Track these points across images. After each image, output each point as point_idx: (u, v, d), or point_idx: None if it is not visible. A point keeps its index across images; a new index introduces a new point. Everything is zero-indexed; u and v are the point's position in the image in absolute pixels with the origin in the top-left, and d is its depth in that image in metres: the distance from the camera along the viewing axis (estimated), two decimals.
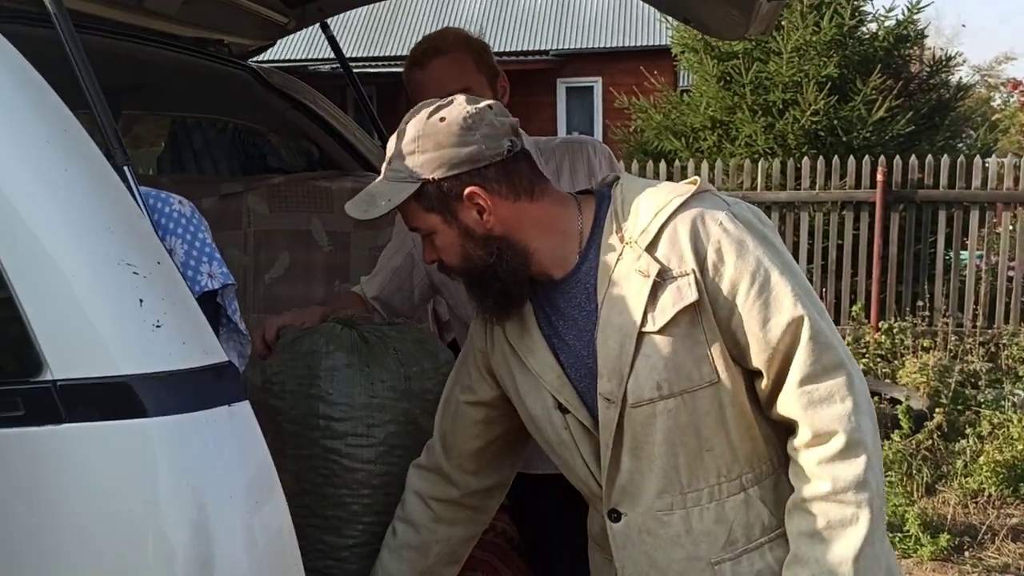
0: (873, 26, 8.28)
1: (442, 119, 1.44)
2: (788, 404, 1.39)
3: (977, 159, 6.93)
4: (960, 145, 8.53)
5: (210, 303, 1.52)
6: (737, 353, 1.41)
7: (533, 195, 1.48)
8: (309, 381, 1.82)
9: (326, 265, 2.58)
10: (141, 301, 1.24)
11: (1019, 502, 4.35)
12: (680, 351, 1.39)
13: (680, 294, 1.38)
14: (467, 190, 1.43)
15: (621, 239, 1.43)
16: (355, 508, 1.83)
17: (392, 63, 16.99)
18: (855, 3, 7.91)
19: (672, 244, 1.39)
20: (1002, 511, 4.29)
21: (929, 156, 6.99)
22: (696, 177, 1.46)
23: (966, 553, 3.93)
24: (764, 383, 1.41)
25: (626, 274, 1.42)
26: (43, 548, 1.25)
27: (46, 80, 1.30)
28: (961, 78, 10.40)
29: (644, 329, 1.40)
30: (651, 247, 1.40)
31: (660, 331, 1.39)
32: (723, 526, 1.45)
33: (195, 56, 2.36)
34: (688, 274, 1.38)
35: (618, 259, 1.43)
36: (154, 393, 1.23)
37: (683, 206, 1.40)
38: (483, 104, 1.48)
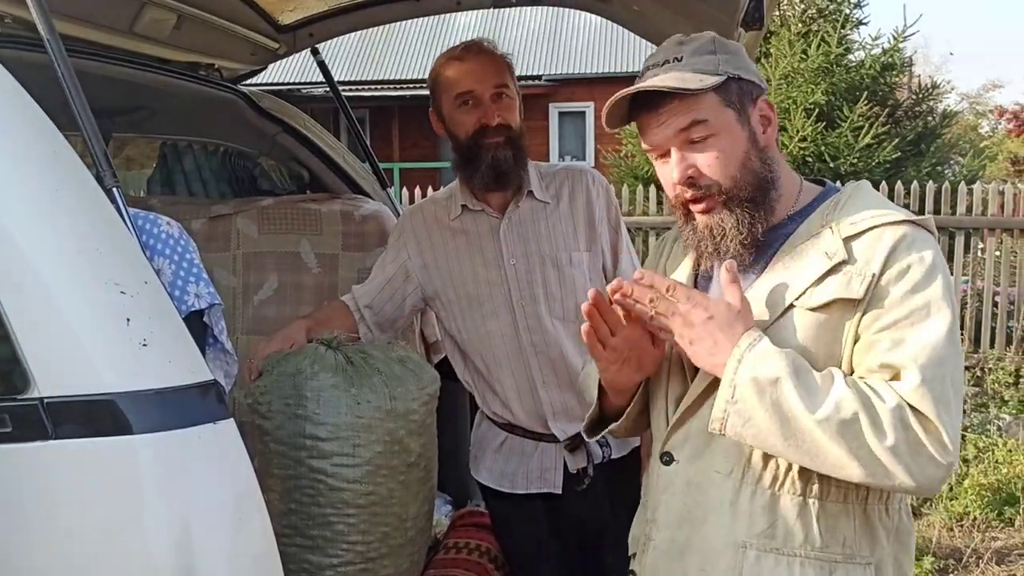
0: (860, 54, 8.39)
1: (726, 40, 1.48)
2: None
3: (962, 185, 7.00)
4: (947, 172, 8.62)
5: (197, 323, 1.54)
6: (854, 367, 1.37)
7: (778, 144, 1.51)
8: (295, 402, 1.83)
9: (315, 287, 2.59)
10: (128, 320, 1.25)
11: (1004, 525, 4.37)
12: (817, 338, 1.37)
13: (849, 285, 1.35)
14: (762, 98, 1.46)
15: (827, 223, 1.42)
16: (340, 528, 1.84)
17: (385, 87, 17.10)
18: (842, 32, 8.02)
19: (870, 245, 1.37)
20: (987, 534, 4.31)
21: (915, 182, 7.06)
22: (931, 217, 1.44)
23: None
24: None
25: (810, 252, 1.40)
26: (28, 564, 1.26)
27: (37, 103, 1.32)
28: (948, 106, 10.50)
29: (796, 302, 1.38)
30: (850, 239, 1.38)
31: (810, 309, 1.37)
32: (768, 517, 1.40)
33: (186, 80, 2.39)
34: (865, 275, 1.35)
35: (813, 236, 1.41)
36: (140, 410, 1.24)
37: (902, 223, 1.38)
38: None
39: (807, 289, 1.37)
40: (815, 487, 1.40)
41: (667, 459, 1.50)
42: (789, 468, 1.40)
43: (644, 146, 1.50)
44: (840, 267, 1.37)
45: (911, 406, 1.28)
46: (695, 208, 1.45)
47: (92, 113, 1.37)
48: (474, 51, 2.08)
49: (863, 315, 1.35)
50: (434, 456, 2.05)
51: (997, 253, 7.00)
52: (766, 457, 1.40)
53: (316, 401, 1.83)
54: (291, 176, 2.80)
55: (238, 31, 2.30)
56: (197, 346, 1.35)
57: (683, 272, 1.56)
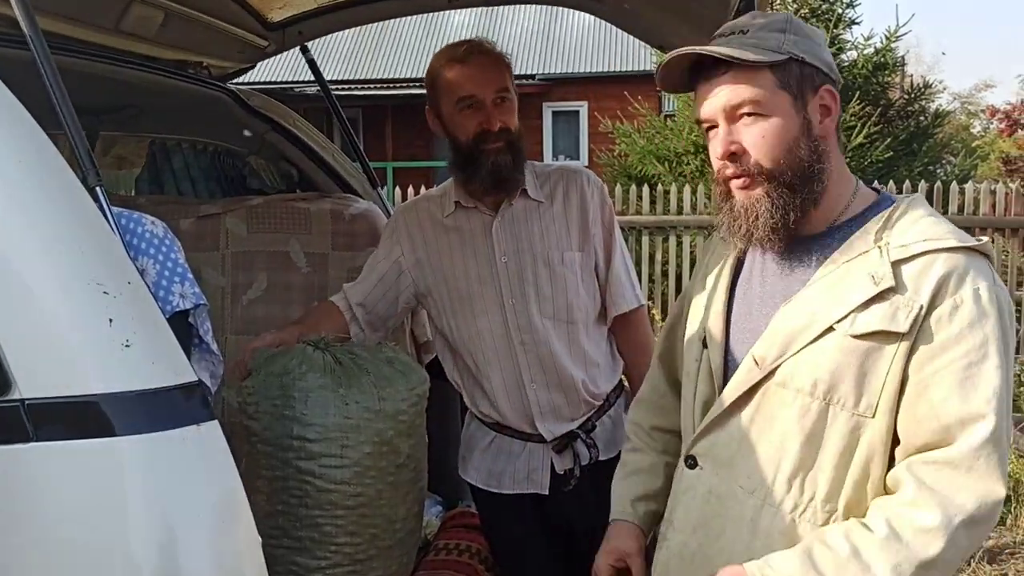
0: (853, 54, 8.41)
1: (804, 23, 1.43)
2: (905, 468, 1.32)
3: (954, 185, 7.02)
4: (939, 171, 8.63)
5: (182, 323, 1.52)
6: (904, 407, 1.32)
7: (839, 142, 1.45)
8: (283, 402, 1.82)
9: (304, 286, 2.58)
10: (111, 320, 1.24)
11: (995, 524, 4.37)
12: (856, 368, 1.32)
13: (894, 317, 1.30)
14: (825, 86, 1.39)
15: (876, 240, 1.36)
16: (328, 529, 1.83)
17: (378, 86, 17.08)
18: (835, 31, 8.03)
19: (920, 273, 1.31)
20: None
21: (907, 182, 7.08)
22: (987, 239, 1.40)
23: None
24: (900, 447, 1.34)
25: (857, 271, 1.34)
26: (10, 567, 1.24)
27: (20, 101, 1.31)
28: (940, 105, 10.52)
29: (837, 326, 1.33)
30: (899, 263, 1.32)
31: (852, 336, 1.31)
32: (786, 541, 1.38)
33: (174, 78, 2.37)
34: (913, 307, 1.29)
35: (861, 254, 1.35)
36: (123, 412, 1.23)
37: (956, 250, 1.31)
38: None
39: (850, 314, 1.32)
40: (839, 519, 1.37)
41: (691, 463, 1.49)
42: (812, 497, 1.38)
43: (697, 117, 1.47)
44: (887, 295, 1.31)
45: (983, 445, 1.26)
46: (735, 185, 1.41)
47: (78, 111, 1.36)
48: (476, 53, 2.07)
49: (910, 352, 1.30)
50: (423, 457, 2.04)
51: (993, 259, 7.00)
52: (790, 482, 1.38)
53: (304, 402, 1.82)
54: (280, 175, 2.79)
55: (226, 28, 2.29)
56: (182, 347, 1.33)
57: (726, 270, 1.53)
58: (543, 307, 2.11)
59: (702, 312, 1.54)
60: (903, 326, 1.29)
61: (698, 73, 1.41)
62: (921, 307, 1.29)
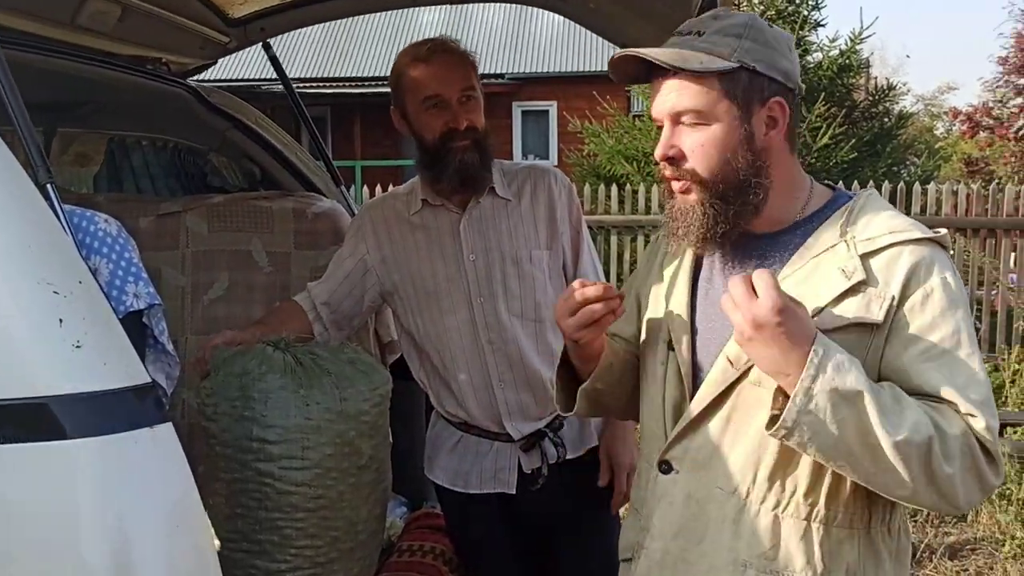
0: (818, 55, 8.49)
1: (771, 24, 1.40)
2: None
3: (917, 185, 7.12)
4: (902, 172, 8.74)
5: (136, 324, 1.50)
6: None
7: (792, 147, 1.43)
8: (242, 403, 1.80)
9: (266, 285, 2.54)
10: (61, 321, 1.21)
11: (956, 521, 4.43)
12: None
13: (867, 309, 1.31)
14: (774, 98, 1.36)
15: (841, 235, 1.36)
16: (288, 532, 1.81)
17: (346, 84, 16.99)
18: (800, 33, 8.10)
19: (889, 265, 1.32)
20: (940, 529, 4.37)
21: (871, 182, 7.16)
22: (945, 231, 1.39)
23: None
24: None
25: (827, 266, 1.35)
26: None
27: None
28: (903, 107, 10.65)
29: (814, 320, 1.31)
30: (867, 256, 1.33)
31: (828, 330, 1.30)
32: (770, 538, 1.38)
33: (132, 74, 2.33)
34: (885, 298, 1.31)
35: (827, 249, 1.36)
36: (74, 414, 1.20)
37: (920, 241, 1.34)
38: None
39: (825, 308, 1.33)
40: (820, 512, 1.38)
41: (665, 468, 1.47)
42: (794, 492, 1.38)
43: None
44: (859, 288, 1.32)
45: (976, 436, 1.27)
46: (674, 187, 1.42)
47: (33, 108, 1.33)
48: (440, 51, 2.05)
49: (887, 341, 1.32)
50: (387, 458, 2.02)
51: (951, 252, 7.11)
52: (771, 479, 1.37)
53: (264, 403, 1.79)
54: (242, 173, 2.75)
55: (186, 24, 2.25)
56: (136, 348, 1.31)
57: (685, 268, 1.51)
58: (511, 305, 2.10)
59: (662, 313, 1.52)
60: (878, 316, 1.31)
61: (652, 69, 1.40)
62: (893, 297, 1.31)
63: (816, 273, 1.36)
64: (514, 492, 2.15)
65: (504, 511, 2.18)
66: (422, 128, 2.07)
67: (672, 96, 1.37)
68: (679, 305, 1.49)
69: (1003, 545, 4.10)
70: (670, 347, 1.49)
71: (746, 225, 1.41)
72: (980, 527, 4.31)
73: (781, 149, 1.41)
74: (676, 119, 1.38)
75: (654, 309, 1.56)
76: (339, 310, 2.15)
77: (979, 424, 1.27)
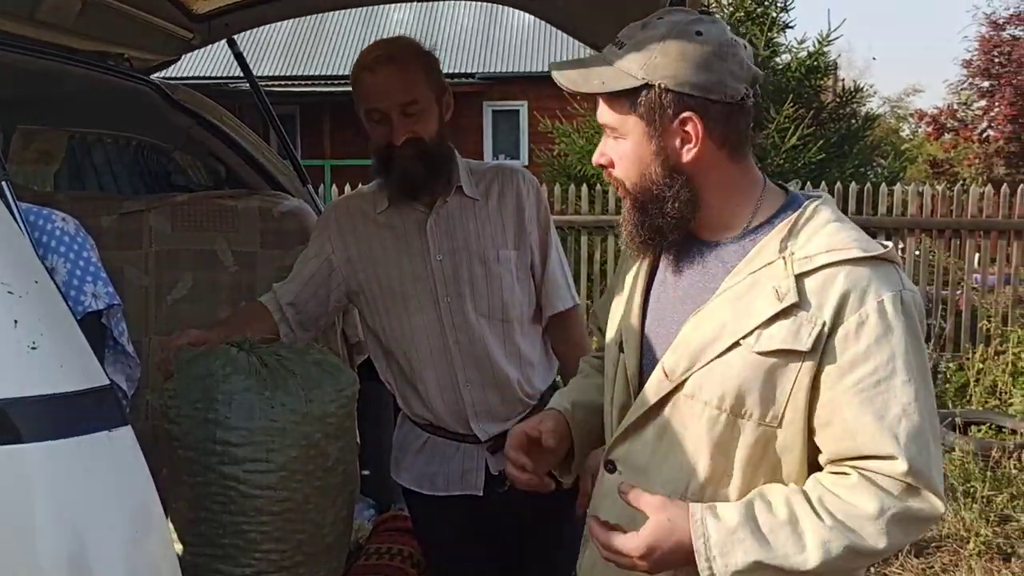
0: (786, 57, 8.55)
1: (699, 32, 1.34)
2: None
3: (884, 187, 7.18)
4: (869, 173, 8.84)
5: (95, 325, 1.46)
6: (818, 425, 1.32)
7: (734, 154, 1.39)
8: (206, 405, 1.77)
9: (231, 285, 2.51)
10: (16, 322, 1.18)
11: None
12: (761, 382, 1.32)
13: (796, 336, 1.29)
14: (685, 114, 1.33)
15: (781, 249, 1.34)
16: (253, 536, 1.78)
17: (316, 82, 16.88)
18: (769, 35, 8.15)
19: (822, 288, 1.29)
20: None
21: (839, 183, 7.22)
22: (891, 244, 1.35)
23: (872, 569, 4.02)
24: (823, 458, 1.35)
25: (763, 284, 1.33)
26: None
27: None
28: (870, 109, 10.77)
29: (743, 341, 1.32)
30: (802, 276, 1.31)
31: (757, 352, 1.31)
32: None
33: (94, 70, 2.28)
34: (816, 324, 1.28)
35: (765, 265, 1.34)
36: (29, 417, 1.18)
37: (858, 261, 1.30)
38: (743, 40, 1.39)
39: (755, 330, 1.31)
40: None
41: (610, 467, 1.50)
42: (726, 501, 1.38)
43: None
44: (791, 311, 1.30)
45: (898, 479, 1.27)
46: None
47: None
48: (383, 62, 2.00)
49: (817, 370, 1.30)
50: (354, 460, 2.00)
51: (917, 253, 7.20)
52: (703, 490, 1.38)
53: (228, 405, 1.77)
54: (207, 171, 2.71)
55: (148, 19, 2.21)
56: (94, 349, 1.28)
57: (642, 272, 1.53)
58: (478, 305, 2.09)
59: (620, 315, 1.54)
60: (806, 344, 1.29)
61: None
62: (824, 323, 1.28)
63: (752, 291, 1.34)
64: (481, 494, 2.14)
65: (471, 513, 2.16)
66: (369, 135, 2.06)
67: (599, 108, 1.42)
68: (632, 309, 1.51)
69: (968, 543, 4.15)
70: (621, 350, 1.51)
71: (675, 235, 1.41)
72: (946, 525, 4.36)
73: (715, 158, 1.38)
74: (604, 129, 1.43)
75: (614, 312, 1.58)
76: (305, 311, 2.12)
77: (898, 468, 1.26)
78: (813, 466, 1.37)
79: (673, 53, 1.33)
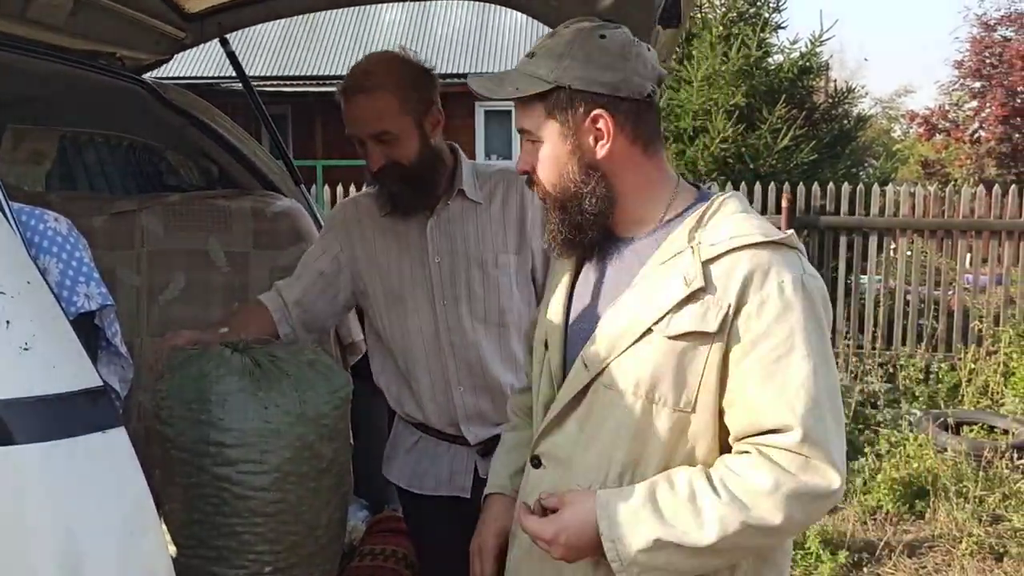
0: (779, 57, 8.56)
1: (603, 36, 1.43)
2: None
3: (876, 187, 7.20)
4: (861, 174, 8.85)
5: (88, 325, 1.45)
6: (726, 405, 1.38)
7: (647, 149, 1.47)
8: (199, 407, 1.76)
9: (224, 286, 2.50)
10: (8, 323, 1.17)
11: (915, 518, 4.49)
12: (674, 367, 1.37)
13: (704, 318, 1.35)
14: (595, 112, 1.41)
15: (690, 240, 1.41)
16: (247, 537, 1.78)
17: (307, 83, 16.84)
18: (762, 35, 8.16)
19: (727, 272, 1.36)
20: (899, 527, 4.42)
21: (831, 184, 7.23)
22: (793, 232, 1.42)
23: (865, 569, 4.03)
24: (731, 438, 1.41)
25: (673, 272, 1.39)
26: None
27: None
28: (862, 109, 10.79)
29: (655, 327, 1.38)
30: (708, 262, 1.37)
31: (668, 337, 1.37)
32: None
33: (86, 69, 2.27)
34: (722, 306, 1.35)
35: (676, 254, 1.41)
36: (22, 419, 1.17)
37: (760, 245, 1.37)
38: (646, 44, 1.48)
39: (666, 316, 1.37)
40: None
41: (536, 463, 1.54)
42: None
43: None
44: (698, 295, 1.36)
45: (794, 451, 1.31)
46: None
47: None
48: (355, 91, 2.00)
49: (725, 350, 1.36)
50: (347, 461, 1.99)
51: (908, 253, 7.21)
52: (622, 477, 1.43)
53: (221, 406, 1.76)
54: (199, 171, 2.70)
55: (141, 18, 2.20)
56: (88, 350, 1.27)
57: (566, 271, 1.59)
58: (475, 309, 2.08)
59: (546, 314, 1.59)
60: (713, 326, 1.34)
61: None
62: (729, 305, 1.34)
63: (663, 280, 1.40)
64: (469, 496, 2.13)
65: (459, 514, 2.16)
66: None
67: (517, 117, 1.49)
68: (556, 306, 1.57)
69: (960, 542, 4.16)
70: (546, 347, 1.56)
71: (594, 231, 1.47)
72: (938, 525, 4.37)
73: (629, 155, 1.45)
74: (523, 136, 1.48)
75: (542, 314, 1.62)
76: (312, 309, 2.11)
77: (793, 438, 1.30)
78: (726, 451, 1.42)
79: (580, 56, 1.41)
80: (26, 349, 1.18)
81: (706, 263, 1.37)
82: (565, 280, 1.57)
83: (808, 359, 1.32)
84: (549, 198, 1.48)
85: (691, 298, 1.36)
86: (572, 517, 1.38)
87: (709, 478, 1.35)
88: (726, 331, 1.35)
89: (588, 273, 1.55)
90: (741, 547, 1.35)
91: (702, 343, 1.36)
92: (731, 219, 1.42)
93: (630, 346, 1.40)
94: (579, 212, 1.45)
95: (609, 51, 1.42)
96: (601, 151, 1.43)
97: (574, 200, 1.45)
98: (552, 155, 1.45)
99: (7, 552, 1.17)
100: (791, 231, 1.43)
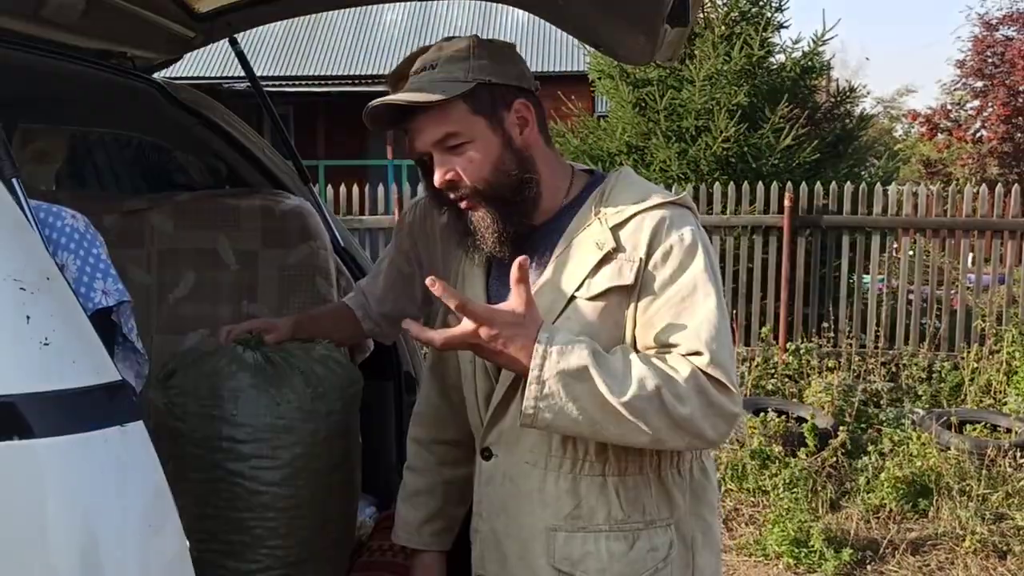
0: (781, 57, 8.55)
1: (491, 40, 1.56)
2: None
3: (878, 186, 7.20)
4: (863, 173, 8.85)
5: (104, 321, 1.47)
6: (641, 347, 1.47)
7: (548, 139, 1.60)
8: (212, 402, 1.78)
9: (233, 284, 2.51)
10: (28, 318, 1.19)
11: (918, 517, 4.50)
12: (599, 325, 1.46)
13: (620, 273, 1.46)
14: (517, 101, 1.52)
15: (595, 213, 1.52)
16: (259, 532, 1.79)
17: (309, 83, 16.87)
18: (764, 35, 8.16)
19: (635, 232, 1.48)
20: (902, 525, 4.44)
21: (833, 183, 7.24)
22: (686, 193, 1.54)
23: (868, 567, 4.05)
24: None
25: (584, 243, 1.50)
26: None
27: None
28: (864, 109, 10.79)
29: (576, 293, 1.47)
30: (616, 227, 1.49)
31: (589, 299, 1.47)
32: (572, 500, 1.51)
33: (97, 69, 2.28)
34: (634, 261, 1.46)
35: (583, 229, 1.51)
36: (42, 413, 1.18)
37: (660, 206, 1.49)
38: None
39: (584, 280, 1.47)
40: (612, 465, 1.51)
41: (487, 454, 1.59)
42: (587, 453, 1.50)
43: (413, 154, 1.59)
44: (611, 256, 1.47)
45: (704, 372, 1.39)
46: (462, 205, 1.54)
47: None
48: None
49: (639, 298, 1.46)
50: (357, 457, 2.01)
51: (911, 252, 7.22)
52: (564, 444, 1.50)
53: (234, 402, 1.78)
54: (208, 170, 2.71)
55: (151, 18, 2.21)
56: (105, 345, 1.28)
57: (478, 271, 1.62)
58: None
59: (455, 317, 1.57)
60: (629, 279, 1.46)
61: (403, 113, 1.52)
62: (640, 259, 1.46)
63: (576, 252, 1.50)
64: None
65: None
66: None
67: (429, 129, 1.51)
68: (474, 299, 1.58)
69: (963, 540, 4.17)
70: None
71: (530, 219, 1.55)
72: (941, 523, 4.38)
73: (538, 141, 1.57)
74: (442, 146, 1.51)
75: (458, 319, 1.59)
76: (395, 308, 2.00)
77: (703, 360, 1.39)
78: None
79: (485, 56, 1.52)
80: (46, 344, 1.19)
81: (614, 228, 1.49)
82: (479, 278, 1.62)
83: (710, 297, 1.43)
84: (483, 197, 1.51)
85: (605, 260, 1.47)
86: (514, 319, 1.38)
87: (639, 353, 1.44)
88: (639, 282, 1.46)
89: (501, 268, 1.58)
90: (645, 421, 1.36)
91: (623, 297, 1.46)
92: (631, 189, 1.54)
93: (557, 318, 1.47)
94: (521, 199, 1.52)
95: (503, 51, 1.56)
96: (527, 139, 1.53)
97: (516, 189, 1.52)
98: (485, 151, 1.50)
99: (27, 545, 1.18)
100: (685, 192, 1.55)
